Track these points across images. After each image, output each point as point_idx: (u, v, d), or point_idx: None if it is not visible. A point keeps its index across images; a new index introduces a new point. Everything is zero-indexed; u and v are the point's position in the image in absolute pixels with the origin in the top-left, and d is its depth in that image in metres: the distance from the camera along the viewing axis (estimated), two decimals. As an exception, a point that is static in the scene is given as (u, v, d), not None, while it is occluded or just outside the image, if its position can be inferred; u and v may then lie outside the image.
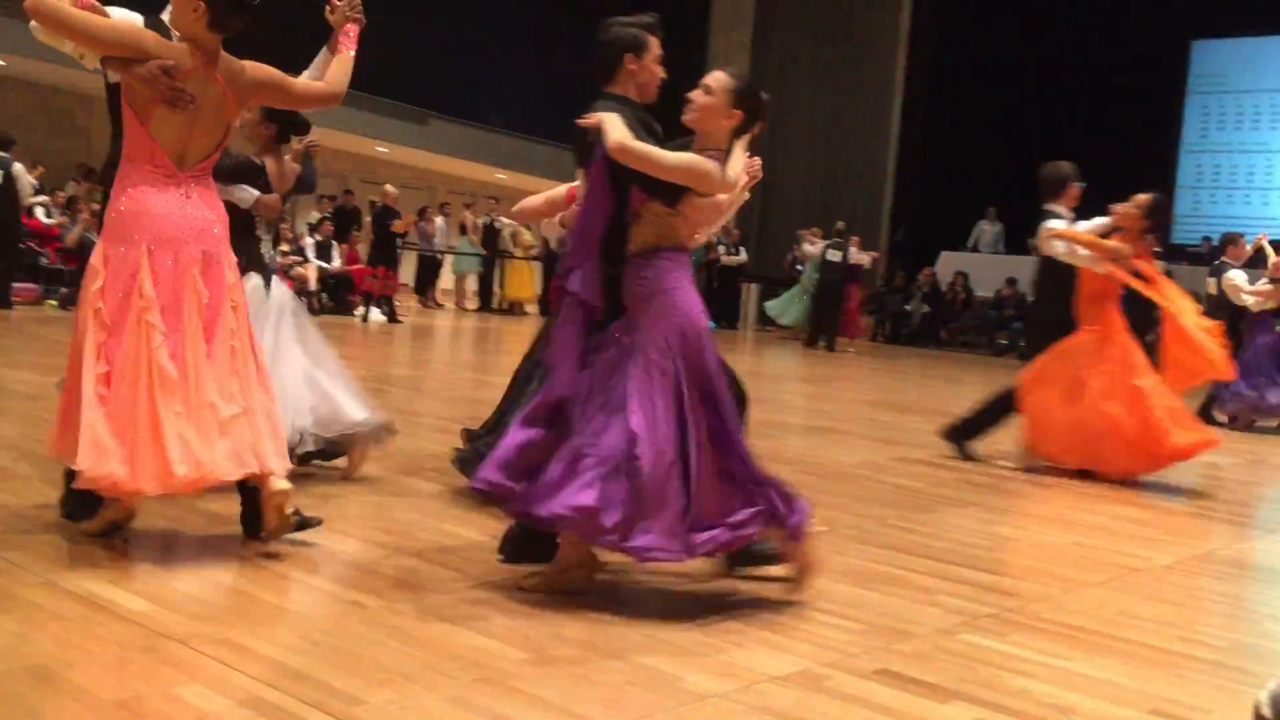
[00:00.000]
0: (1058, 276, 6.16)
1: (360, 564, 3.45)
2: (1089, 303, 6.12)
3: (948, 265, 19.56)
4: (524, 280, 19.06)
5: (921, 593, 3.62)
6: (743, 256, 19.24)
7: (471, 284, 19.31)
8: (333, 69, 3.63)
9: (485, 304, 19.03)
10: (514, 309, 19.05)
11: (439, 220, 18.74)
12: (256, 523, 3.45)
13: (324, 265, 15.77)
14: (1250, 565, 4.52)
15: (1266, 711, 1.54)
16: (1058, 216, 6.19)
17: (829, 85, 22.18)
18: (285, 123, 4.48)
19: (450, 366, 10.00)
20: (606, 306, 3.30)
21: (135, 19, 3.35)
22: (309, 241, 15.85)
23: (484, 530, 3.96)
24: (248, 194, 4.31)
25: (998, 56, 20.67)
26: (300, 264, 15.48)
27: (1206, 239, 18.92)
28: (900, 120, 21.73)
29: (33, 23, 3.27)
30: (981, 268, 19.07)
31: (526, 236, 18.67)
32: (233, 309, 3.38)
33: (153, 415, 3.13)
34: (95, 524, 3.42)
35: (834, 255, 16.25)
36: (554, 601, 3.18)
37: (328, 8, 3.70)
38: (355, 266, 16.05)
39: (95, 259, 3.25)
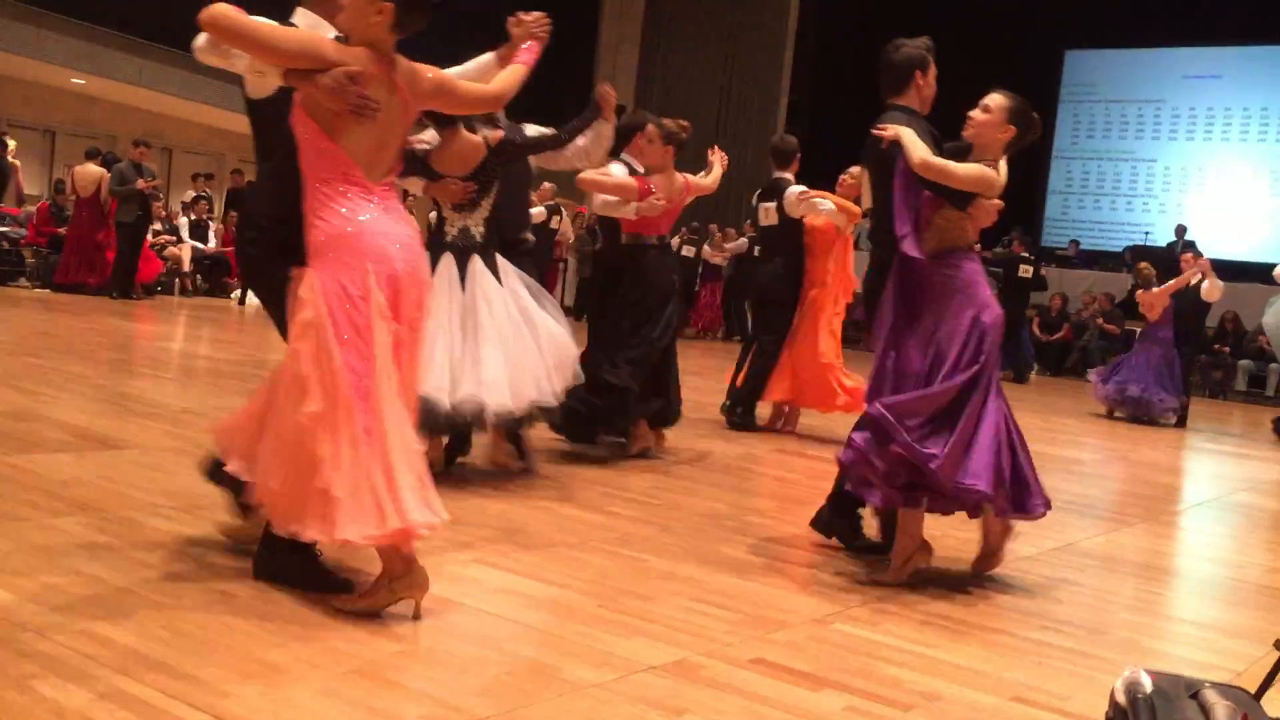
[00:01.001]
0: (794, 234, 7.24)
1: (232, 552, 3.36)
2: (816, 259, 7.26)
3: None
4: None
5: (797, 583, 3.69)
6: None
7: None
8: (506, 76, 3.48)
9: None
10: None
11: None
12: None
13: (199, 246, 15.33)
14: (1107, 557, 4.71)
15: (1121, 698, 1.61)
16: (792, 183, 7.17)
17: (717, 86, 22.39)
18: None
19: (330, 352, 9.82)
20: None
21: (323, 26, 3.15)
22: (183, 221, 15.39)
23: (361, 519, 3.89)
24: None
25: (879, 61, 21.13)
26: (174, 244, 15.03)
27: (1074, 242, 19.65)
28: (785, 121, 22.05)
29: (199, 42, 3.18)
30: (861, 262, 19.44)
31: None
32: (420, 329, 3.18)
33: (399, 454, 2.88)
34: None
35: (688, 251, 16.23)
36: (431, 592, 3.14)
37: (512, 20, 3.67)
38: (232, 248, 15.64)
39: (304, 289, 2.91)
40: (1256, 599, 4.37)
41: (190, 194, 16.37)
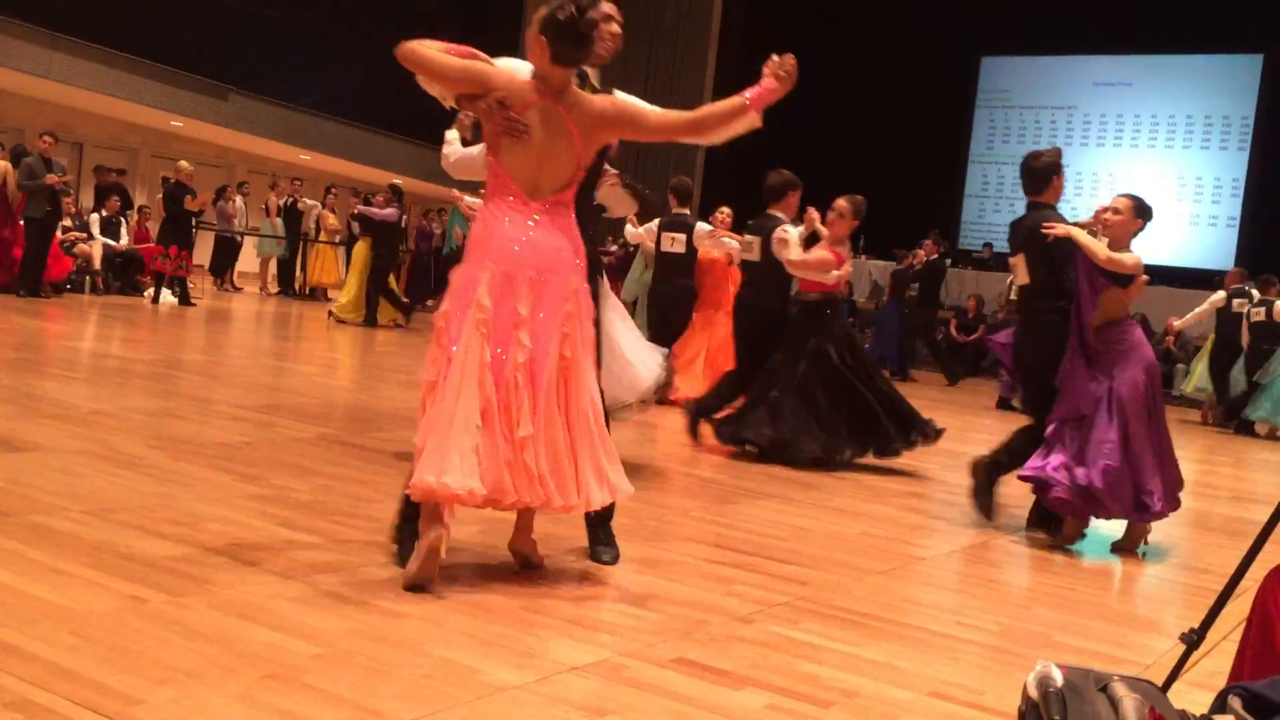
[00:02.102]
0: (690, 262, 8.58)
1: (142, 557, 3.28)
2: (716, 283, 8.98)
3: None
4: (328, 264, 18.55)
5: (720, 583, 3.70)
6: None
7: (274, 267, 18.68)
8: (715, 104, 3.60)
9: (287, 288, 18.44)
10: (316, 294, 18.52)
11: (238, 200, 18.04)
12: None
13: (110, 243, 14.96)
14: (1021, 554, 4.80)
15: (1033, 692, 1.64)
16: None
17: (641, 81, 22.43)
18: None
19: (246, 352, 9.64)
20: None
21: (519, 67, 3.54)
22: (94, 218, 15.00)
23: (278, 520, 3.84)
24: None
25: (801, 63, 21.31)
26: (85, 241, 14.64)
27: (987, 245, 20.03)
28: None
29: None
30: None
31: (331, 220, 18.16)
32: (563, 335, 3.39)
33: (458, 422, 3.20)
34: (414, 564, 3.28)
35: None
36: (349, 595, 3.11)
37: (769, 63, 3.68)
38: (145, 245, 15.29)
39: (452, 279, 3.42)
40: (1165, 594, 4.49)
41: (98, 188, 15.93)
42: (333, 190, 18.77)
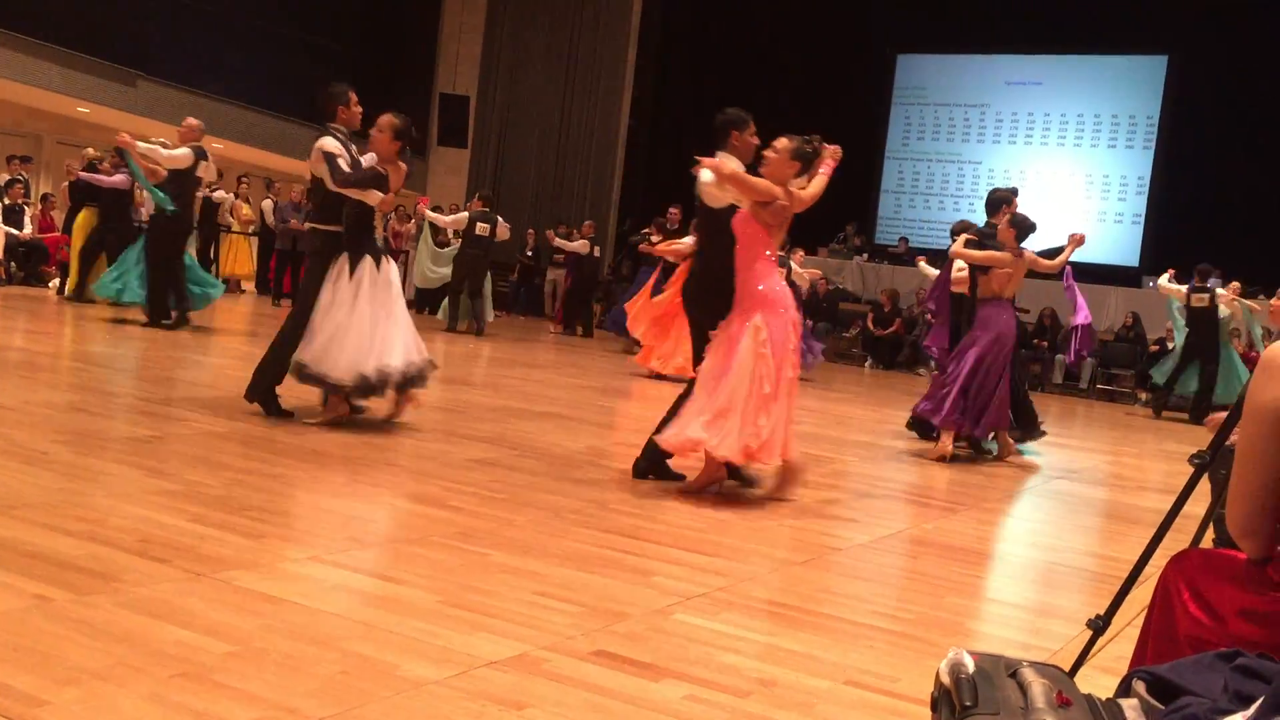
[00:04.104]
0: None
1: (47, 554, 3.19)
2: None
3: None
4: (242, 256, 18.19)
5: (639, 575, 3.71)
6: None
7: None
8: (816, 183, 5.32)
9: (198, 279, 18.04)
10: (230, 285, 18.14)
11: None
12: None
13: (13, 232, 14.51)
14: (933, 543, 4.89)
15: (945, 678, 1.67)
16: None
17: (561, 75, 22.36)
18: (409, 141, 6.24)
19: (156, 344, 9.41)
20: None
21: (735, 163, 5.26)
22: (-5, 206, 14.53)
23: (188, 516, 3.76)
24: (374, 196, 5.98)
25: (720, 57, 21.47)
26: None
27: (903, 239, 20.36)
28: (630, 114, 22.19)
29: (707, 177, 5.29)
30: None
31: (245, 210, 17.82)
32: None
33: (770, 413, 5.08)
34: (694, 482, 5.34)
35: (482, 229, 14.72)
36: (262, 592, 3.06)
37: (826, 148, 5.42)
38: (50, 235, 14.86)
39: (759, 320, 5.12)
40: (1072, 581, 4.61)
41: (4, 177, 15.46)
42: (245, 180, 18.41)
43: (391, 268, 6.21)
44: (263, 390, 6.11)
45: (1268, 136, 17.69)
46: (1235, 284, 13.25)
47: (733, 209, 5.30)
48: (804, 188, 5.31)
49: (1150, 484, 8.05)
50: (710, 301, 5.35)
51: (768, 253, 5.23)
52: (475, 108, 22.87)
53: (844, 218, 19.99)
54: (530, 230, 20.30)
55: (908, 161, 22.19)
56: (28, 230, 14.75)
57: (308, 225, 6.38)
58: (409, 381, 6.10)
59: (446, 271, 15.31)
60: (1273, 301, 5.47)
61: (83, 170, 13.16)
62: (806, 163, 5.33)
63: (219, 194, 17.82)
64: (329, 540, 3.70)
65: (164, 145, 10.62)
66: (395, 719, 2.35)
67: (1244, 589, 1.96)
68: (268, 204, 17.37)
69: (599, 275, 18.80)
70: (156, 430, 5.34)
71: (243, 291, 18.00)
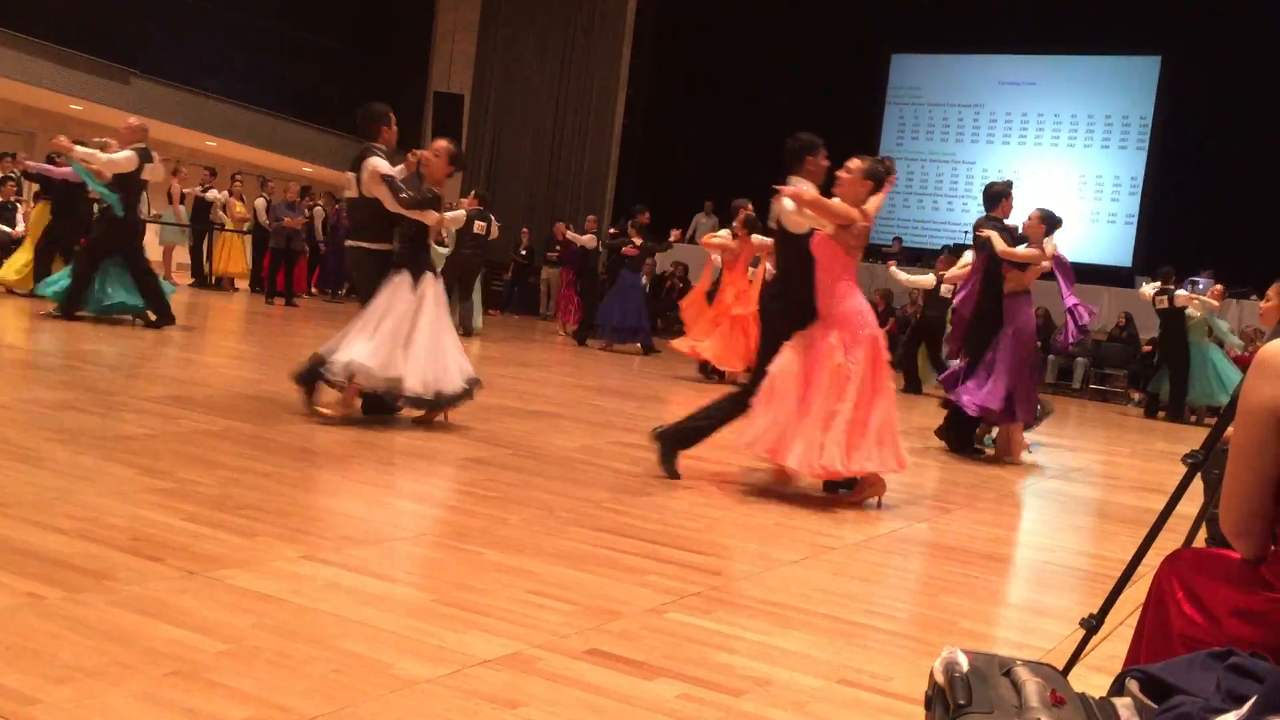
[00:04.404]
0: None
1: (39, 552, 3.18)
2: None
3: (665, 256, 20.10)
4: (235, 254, 18.14)
5: (633, 573, 3.71)
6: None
7: (180, 256, 18.22)
8: (875, 199, 5.51)
9: (197, 277, 18.01)
10: (223, 284, 18.12)
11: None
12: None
13: (6, 229, 14.46)
14: (927, 542, 4.90)
15: (940, 677, 1.67)
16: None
17: (556, 74, 22.36)
18: (460, 166, 6.68)
19: (150, 343, 9.39)
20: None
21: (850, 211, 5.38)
22: (-11, 203, 14.46)
23: (182, 514, 3.75)
24: (431, 216, 6.28)
25: (715, 56, 21.48)
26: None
27: (897, 239, 20.37)
28: (624, 113, 22.19)
29: (789, 206, 5.41)
30: (699, 258, 19.74)
31: (239, 208, 17.78)
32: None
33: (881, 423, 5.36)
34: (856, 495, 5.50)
35: (480, 228, 14.42)
36: (256, 590, 3.05)
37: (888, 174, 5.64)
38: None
39: (834, 339, 5.30)
40: (1064, 580, 4.62)
41: None
42: (238, 178, 18.39)
43: (439, 287, 6.44)
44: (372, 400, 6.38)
45: (1261, 137, 17.74)
46: (1218, 287, 13.40)
47: (811, 232, 5.47)
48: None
49: (1143, 484, 8.07)
50: (792, 324, 5.50)
51: (847, 272, 5.42)
52: (469, 106, 22.86)
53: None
54: (525, 229, 20.29)
55: (902, 161, 22.16)
56: (20, 228, 14.69)
57: (352, 243, 6.55)
58: (451, 399, 6.30)
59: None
60: (1263, 303, 5.47)
61: (44, 162, 13.04)
62: (878, 181, 5.51)
63: (211, 192, 17.79)
64: (322, 539, 3.70)
65: (104, 148, 10.48)
66: (388, 718, 2.35)
67: (1237, 589, 1.96)
68: (261, 202, 17.33)
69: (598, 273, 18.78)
70: (151, 429, 5.33)
71: (236, 290, 17.96)
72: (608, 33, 22.01)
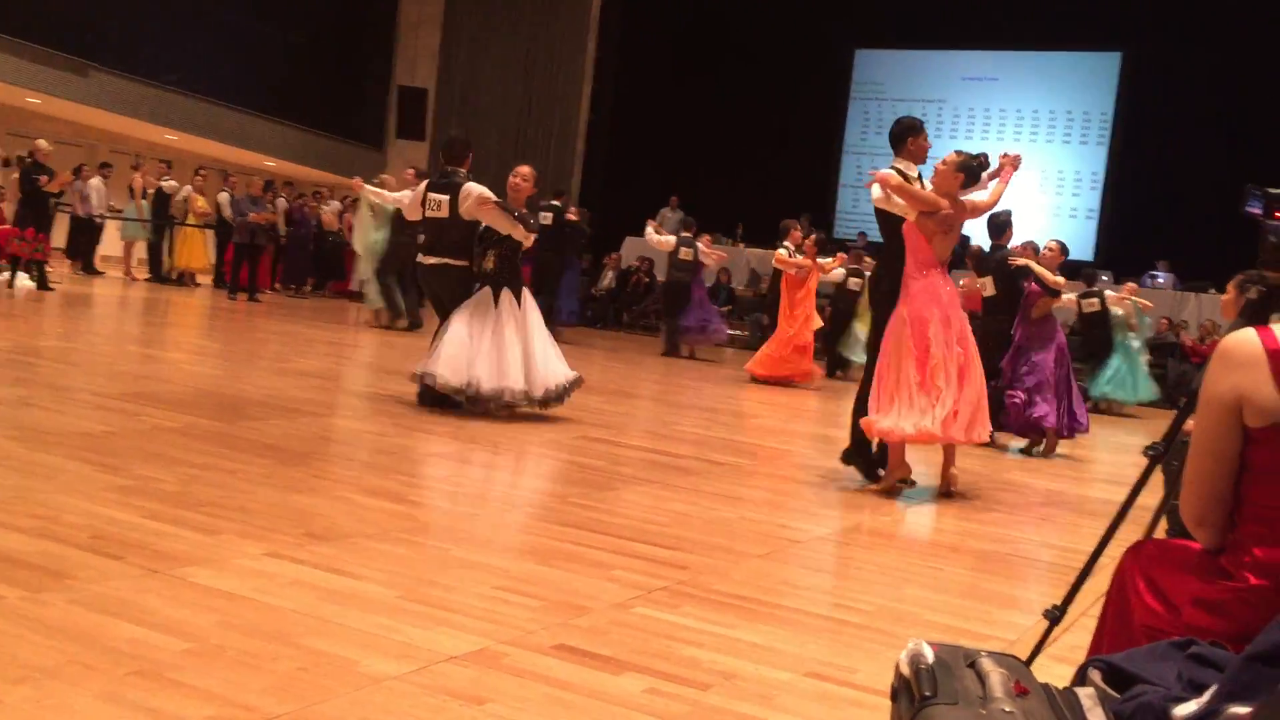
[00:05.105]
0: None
1: (-3, 552, 3.14)
2: None
3: (632, 250, 20.11)
4: (196, 249, 17.94)
5: (599, 568, 3.71)
6: None
7: (140, 251, 18.00)
8: (995, 188, 5.93)
9: (156, 273, 17.80)
10: (184, 279, 17.93)
11: (95, 181, 17.28)
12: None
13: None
14: (892, 535, 4.93)
15: (905, 669, 1.68)
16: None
17: (520, 67, 22.27)
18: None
19: (109, 338, 9.28)
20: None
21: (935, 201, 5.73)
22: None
23: (143, 512, 3.71)
24: (530, 237, 6.97)
25: (680, 51, 21.49)
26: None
27: (862, 234, 20.44)
28: (589, 109, 22.14)
29: (877, 193, 5.76)
30: (662, 253, 19.74)
31: (200, 203, 17.59)
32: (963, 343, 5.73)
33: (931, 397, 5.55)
34: (882, 485, 5.76)
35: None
36: (218, 588, 3.02)
37: (1003, 155, 6.06)
38: (0, 227, 14.60)
39: (910, 316, 5.59)
40: (1027, 572, 4.66)
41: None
42: (201, 172, 18.20)
43: (527, 298, 7.05)
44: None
45: (1219, 132, 17.94)
46: (1130, 284, 13.85)
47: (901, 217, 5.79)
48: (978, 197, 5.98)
49: (1107, 476, 8.15)
50: (889, 299, 5.81)
51: (930, 258, 5.68)
52: (434, 100, 22.74)
53: (802, 212, 20.08)
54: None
55: (866, 156, 22.26)
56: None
57: (434, 259, 7.11)
58: (542, 401, 6.91)
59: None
60: (1222, 296, 5.55)
61: None
62: (972, 176, 5.90)
63: (170, 184, 17.58)
64: (286, 535, 3.67)
65: None
66: (354, 715, 2.34)
67: (1198, 578, 1.98)
68: (224, 197, 17.14)
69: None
70: (110, 425, 5.27)
71: (197, 285, 17.78)
72: (572, 27, 21.95)
